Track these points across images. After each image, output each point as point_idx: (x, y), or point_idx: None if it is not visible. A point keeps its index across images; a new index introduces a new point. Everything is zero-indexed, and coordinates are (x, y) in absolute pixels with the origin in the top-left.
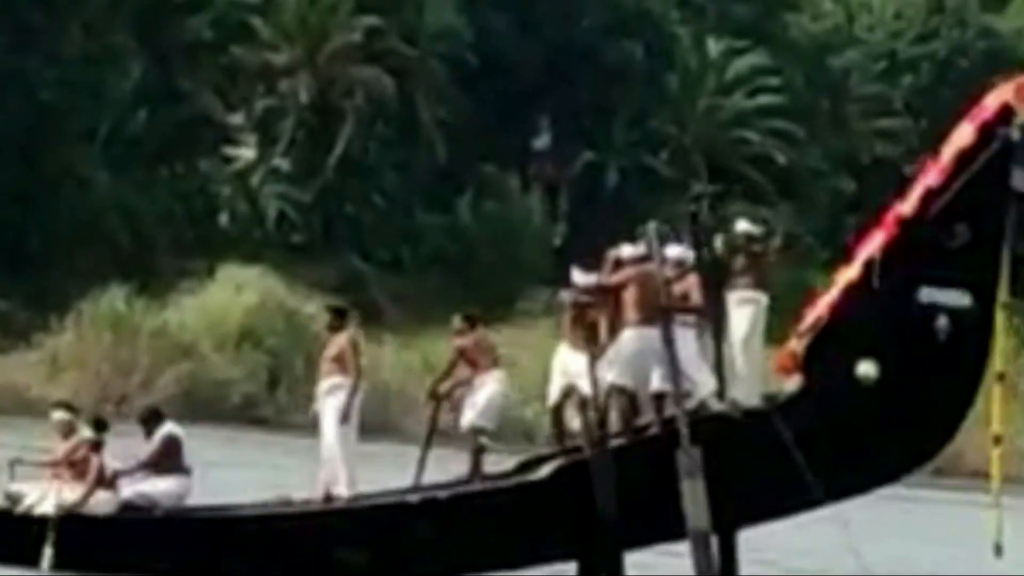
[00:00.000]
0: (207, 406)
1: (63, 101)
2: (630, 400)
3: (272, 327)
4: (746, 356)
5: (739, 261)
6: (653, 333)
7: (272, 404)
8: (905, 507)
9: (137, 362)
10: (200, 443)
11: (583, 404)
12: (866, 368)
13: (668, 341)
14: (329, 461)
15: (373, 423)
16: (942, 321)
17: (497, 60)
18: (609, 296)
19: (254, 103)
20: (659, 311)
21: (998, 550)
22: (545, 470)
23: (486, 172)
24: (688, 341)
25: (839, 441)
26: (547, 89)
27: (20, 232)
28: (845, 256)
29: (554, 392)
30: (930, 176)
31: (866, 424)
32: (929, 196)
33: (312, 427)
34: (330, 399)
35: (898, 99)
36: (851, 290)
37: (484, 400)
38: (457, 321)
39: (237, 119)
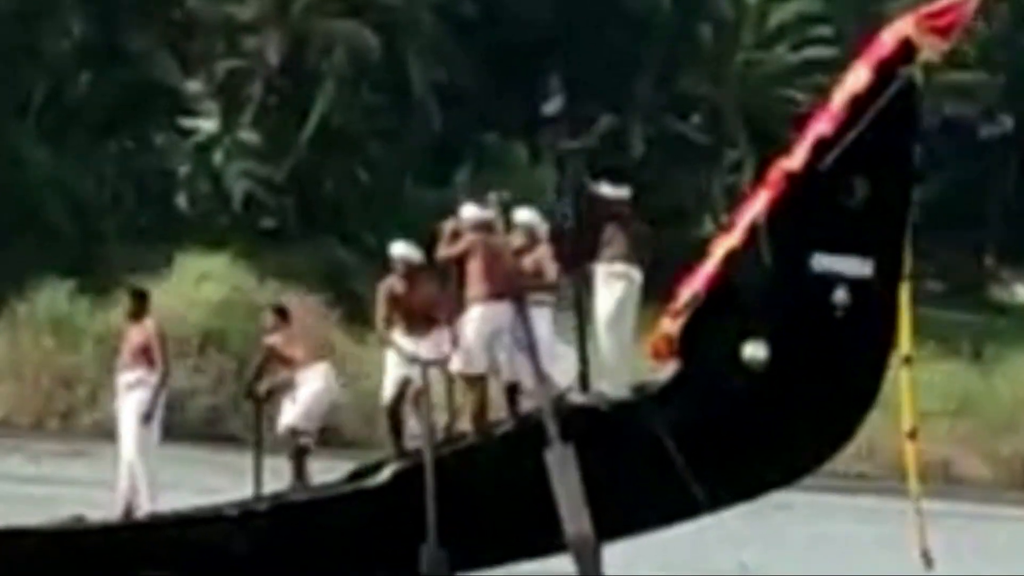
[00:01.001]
0: (163, 421)
1: None
2: (483, 390)
3: (240, 327)
4: (614, 340)
5: (608, 230)
6: (502, 309)
7: (240, 418)
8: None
9: (82, 371)
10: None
11: (418, 398)
12: (753, 350)
13: (524, 322)
14: (129, 469)
15: (358, 438)
16: (840, 293)
17: (500, 11)
18: (449, 270)
19: (215, 65)
20: (509, 284)
21: (927, 560)
22: (381, 476)
23: (488, 141)
24: (542, 322)
25: (724, 437)
26: (559, 44)
27: None
28: (727, 222)
29: (388, 387)
30: (821, 124)
31: (755, 416)
32: (820, 147)
33: (282, 445)
34: (131, 396)
35: (971, 50)
36: (733, 260)
37: (304, 398)
38: (268, 316)
39: (195, 84)
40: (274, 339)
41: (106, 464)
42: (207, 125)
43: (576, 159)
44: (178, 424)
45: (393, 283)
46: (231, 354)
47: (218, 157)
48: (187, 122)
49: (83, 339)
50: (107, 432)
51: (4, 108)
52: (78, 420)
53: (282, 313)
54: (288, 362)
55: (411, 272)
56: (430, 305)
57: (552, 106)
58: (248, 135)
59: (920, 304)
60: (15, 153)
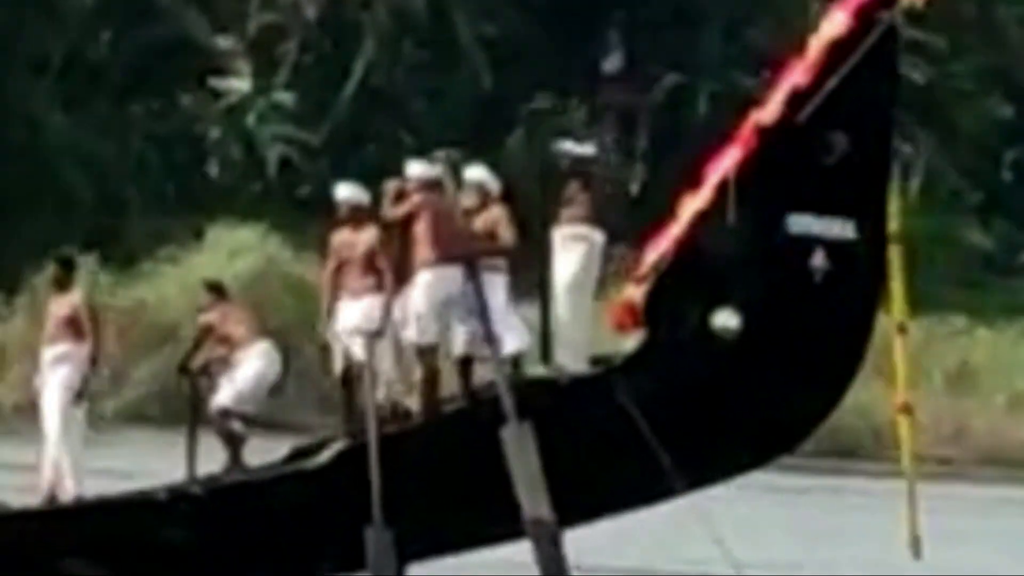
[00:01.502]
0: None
1: (5, 21)
2: (433, 363)
3: (274, 302)
4: (573, 308)
5: (569, 189)
6: (453, 274)
7: (275, 400)
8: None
9: (105, 352)
10: (181, 453)
11: (364, 372)
12: (724, 319)
13: (476, 289)
14: (54, 451)
15: None
16: (818, 258)
17: None
18: (394, 233)
19: (247, 21)
20: (459, 248)
21: (916, 547)
22: (323, 456)
23: (543, 102)
24: (496, 290)
25: (693, 414)
26: None
27: None
28: (691, 179)
29: (338, 358)
30: (795, 74)
31: (727, 391)
32: (796, 99)
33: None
34: (57, 372)
35: None
36: (701, 221)
37: (240, 378)
38: (202, 294)
39: (226, 42)
40: (210, 316)
41: None
42: (239, 85)
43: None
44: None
45: (337, 233)
46: (266, 333)
47: (251, 120)
48: (217, 82)
49: (105, 319)
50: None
51: (20, 69)
52: (102, 403)
53: (218, 290)
54: (226, 340)
55: (357, 217)
56: (374, 255)
57: (612, 63)
58: (283, 96)
59: None
60: (31, 118)
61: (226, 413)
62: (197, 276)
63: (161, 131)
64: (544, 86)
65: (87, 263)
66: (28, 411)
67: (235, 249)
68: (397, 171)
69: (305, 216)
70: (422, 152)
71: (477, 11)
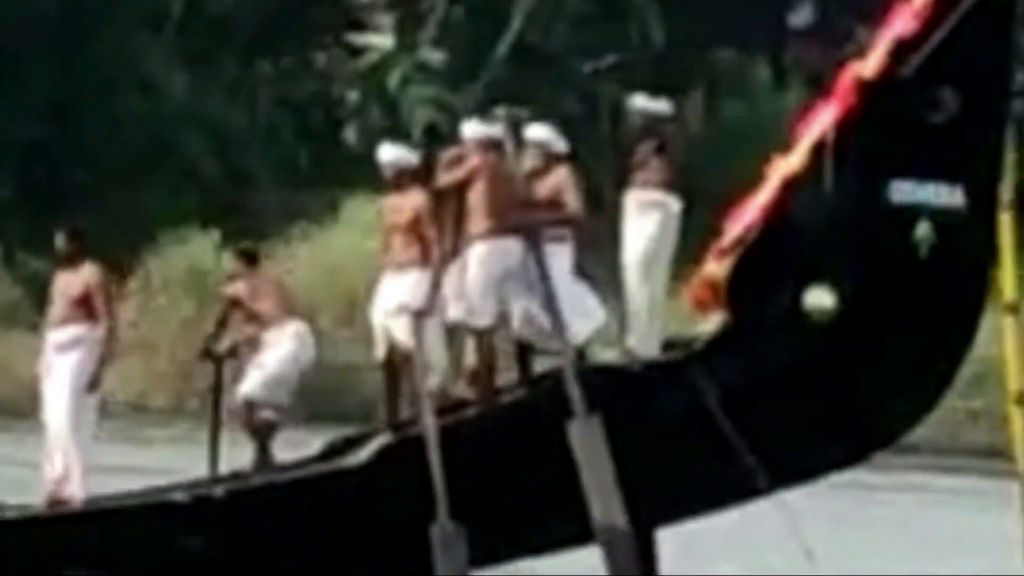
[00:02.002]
0: (329, 400)
1: None
2: (489, 347)
3: None
4: (646, 285)
5: (641, 150)
6: (511, 246)
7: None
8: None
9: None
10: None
11: (409, 356)
12: (817, 298)
13: (539, 262)
14: (59, 447)
15: None
16: (923, 228)
17: None
18: (447, 202)
19: None
20: (520, 216)
21: None
22: (363, 453)
23: (723, 60)
24: (561, 263)
25: (782, 404)
26: None
27: (60, 159)
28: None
29: (380, 341)
30: (901, 23)
31: (819, 378)
32: (900, 50)
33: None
34: (67, 358)
35: None
36: (793, 187)
37: (270, 364)
38: (231, 260)
39: None
40: (238, 288)
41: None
42: (380, 42)
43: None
44: (345, 404)
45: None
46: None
47: (394, 81)
48: (356, 38)
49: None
50: None
51: (135, 25)
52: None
53: (248, 256)
54: (255, 318)
55: (403, 181)
56: (420, 223)
57: (801, 17)
58: (430, 54)
59: None
60: (148, 79)
61: (253, 403)
62: (332, 255)
63: (293, 94)
64: (723, 41)
65: (210, 241)
66: (141, 411)
67: (374, 225)
68: (564, 139)
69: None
70: (590, 118)
71: None
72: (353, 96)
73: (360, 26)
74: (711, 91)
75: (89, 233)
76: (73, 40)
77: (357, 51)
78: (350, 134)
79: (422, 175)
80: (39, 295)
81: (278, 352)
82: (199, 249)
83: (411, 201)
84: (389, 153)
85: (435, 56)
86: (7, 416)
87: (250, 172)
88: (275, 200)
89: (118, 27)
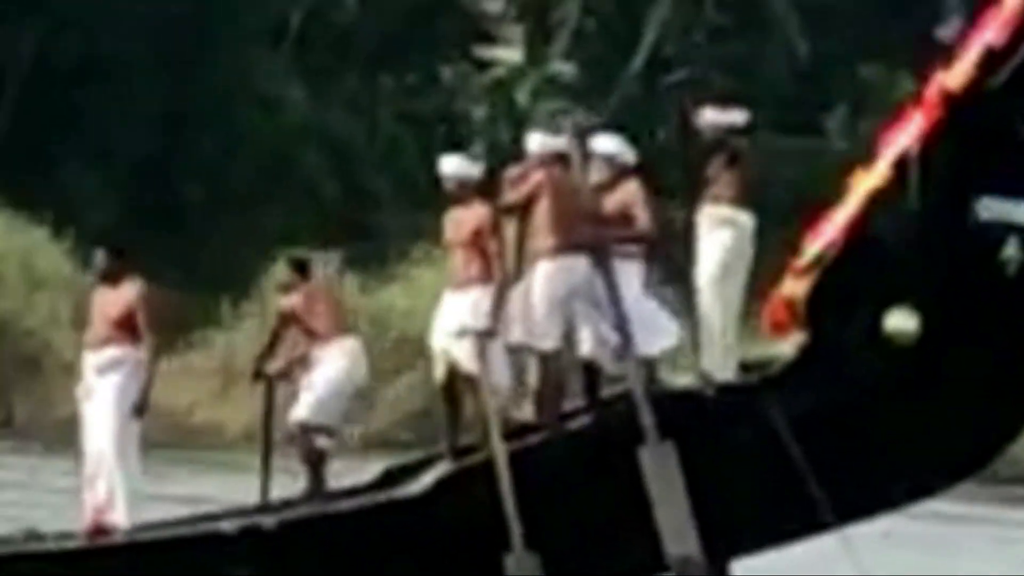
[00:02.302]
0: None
1: None
2: (555, 370)
3: None
4: (719, 304)
5: (713, 164)
6: (578, 264)
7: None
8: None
9: None
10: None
11: (471, 378)
12: (900, 320)
13: (609, 281)
14: (100, 472)
15: None
16: (1011, 248)
17: None
18: (511, 219)
19: None
20: (587, 231)
21: None
22: (423, 482)
23: (867, 75)
24: (631, 281)
25: (859, 431)
26: None
27: (174, 176)
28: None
29: (439, 363)
30: (990, 30)
31: (899, 405)
32: (990, 60)
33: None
34: (108, 381)
35: None
36: (875, 204)
37: (321, 383)
38: (283, 269)
39: (495, 3)
40: (293, 301)
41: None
42: (510, 55)
43: None
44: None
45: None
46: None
47: (523, 96)
48: (484, 52)
49: (351, 325)
50: None
51: (253, 36)
52: (344, 430)
53: (302, 267)
54: (310, 333)
55: (466, 195)
56: (482, 237)
57: (949, 28)
58: (561, 67)
59: None
60: (266, 93)
61: (305, 428)
62: None
63: (417, 109)
64: (869, 55)
65: (329, 262)
66: (251, 439)
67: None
68: (694, 153)
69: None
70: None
71: None
72: (480, 112)
73: (488, 39)
74: (855, 107)
75: (204, 254)
76: (188, 52)
77: (484, 65)
78: (477, 151)
79: (486, 189)
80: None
81: (329, 370)
82: (318, 272)
83: (473, 215)
84: (451, 165)
85: (566, 69)
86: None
87: (371, 191)
88: (396, 220)
89: (235, 39)
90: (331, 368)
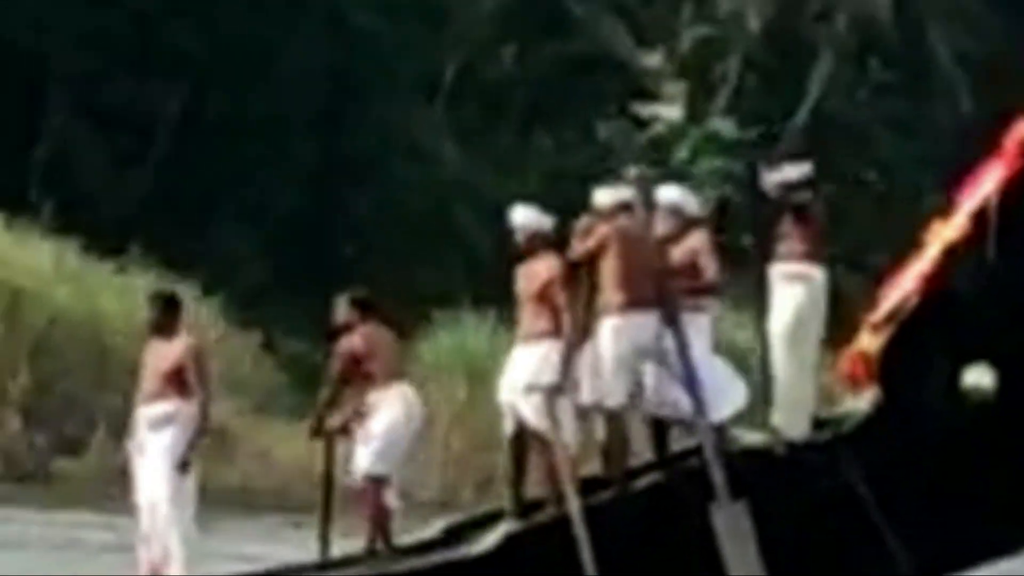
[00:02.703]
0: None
1: (388, 31)
2: (622, 427)
3: None
4: (792, 360)
5: (785, 221)
6: (646, 319)
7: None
8: None
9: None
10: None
11: (538, 435)
12: (977, 377)
13: (677, 336)
14: (154, 530)
15: None
16: None
17: None
18: (580, 273)
19: (679, 34)
20: (654, 286)
21: None
22: (488, 541)
23: None
24: (699, 336)
25: (936, 488)
26: None
27: (322, 232)
28: (945, 203)
29: (507, 419)
30: None
31: (977, 461)
32: None
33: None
34: (160, 436)
35: None
36: (953, 256)
37: (381, 432)
38: (342, 307)
39: (654, 59)
40: (355, 343)
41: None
42: (669, 112)
43: None
44: None
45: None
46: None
47: (683, 153)
48: (643, 108)
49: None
50: None
51: (405, 92)
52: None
53: (363, 305)
54: (368, 378)
55: (535, 246)
56: (552, 290)
57: None
58: (722, 124)
59: None
60: (419, 148)
61: (377, 479)
62: None
63: (573, 165)
64: None
65: (484, 322)
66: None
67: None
68: (859, 213)
69: (749, 268)
70: (890, 194)
71: (956, 23)
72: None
73: (647, 95)
74: None
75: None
76: (340, 108)
77: (642, 122)
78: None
79: (556, 241)
80: (302, 380)
81: (387, 418)
82: (472, 331)
83: (545, 268)
84: (521, 216)
85: (726, 126)
86: (276, 510)
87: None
88: None
89: (388, 94)
90: (388, 415)
